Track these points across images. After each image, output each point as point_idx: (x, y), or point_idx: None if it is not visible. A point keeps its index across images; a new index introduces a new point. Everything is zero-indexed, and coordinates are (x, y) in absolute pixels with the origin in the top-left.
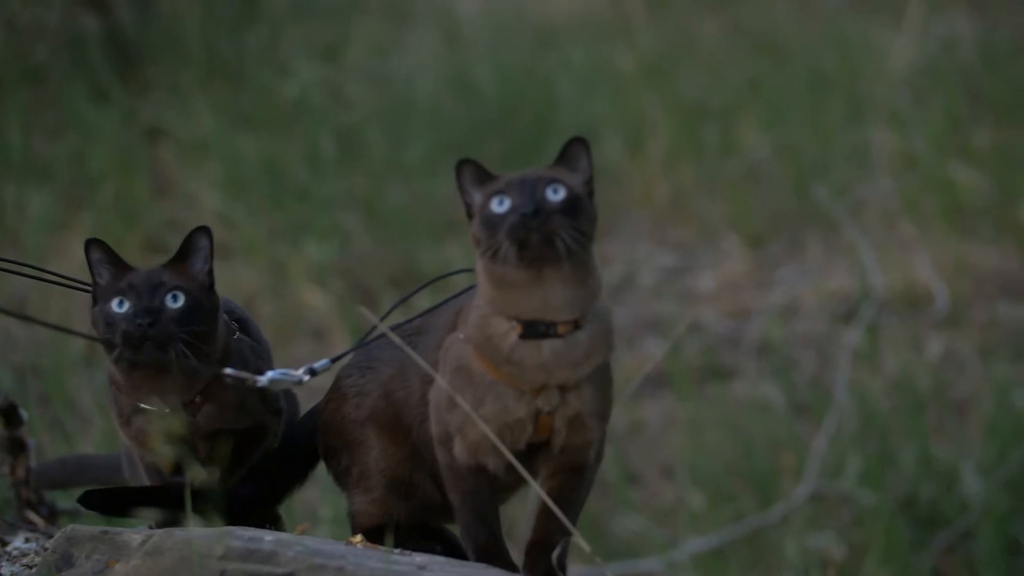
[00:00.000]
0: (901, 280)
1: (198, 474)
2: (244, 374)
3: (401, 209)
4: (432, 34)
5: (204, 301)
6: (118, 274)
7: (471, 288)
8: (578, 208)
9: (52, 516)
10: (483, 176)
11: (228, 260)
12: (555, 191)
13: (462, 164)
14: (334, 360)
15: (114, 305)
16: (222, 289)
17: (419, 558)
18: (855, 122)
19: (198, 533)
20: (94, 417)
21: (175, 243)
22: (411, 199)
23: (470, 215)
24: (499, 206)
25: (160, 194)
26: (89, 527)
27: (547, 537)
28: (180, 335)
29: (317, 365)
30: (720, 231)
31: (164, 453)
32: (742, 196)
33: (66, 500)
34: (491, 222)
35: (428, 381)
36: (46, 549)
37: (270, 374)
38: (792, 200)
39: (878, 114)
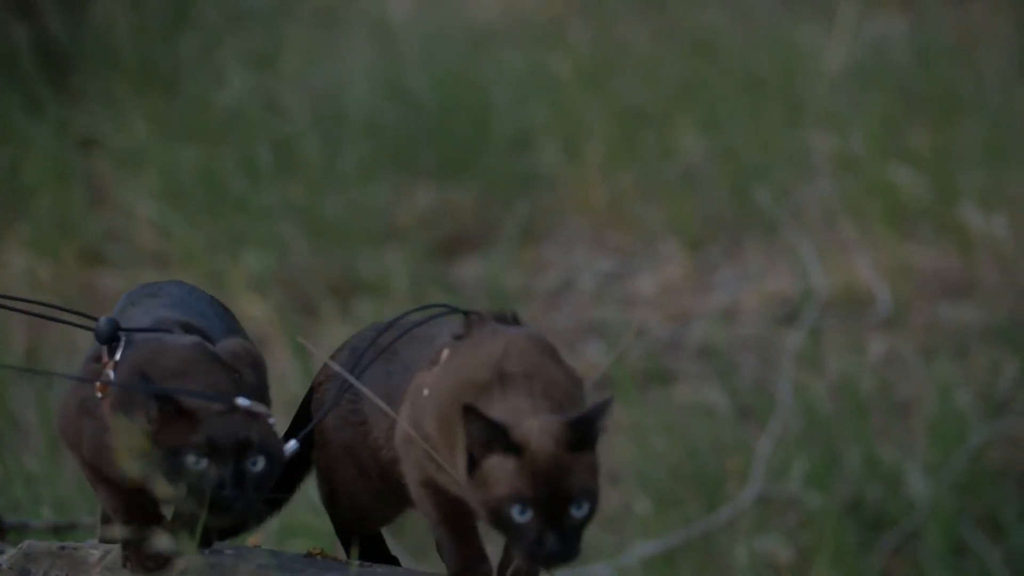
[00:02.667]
0: (842, 282)
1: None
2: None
3: (339, 217)
4: (365, 40)
5: (282, 458)
6: (185, 415)
7: (446, 313)
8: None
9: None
10: (503, 442)
11: (165, 270)
12: (579, 507)
13: (471, 412)
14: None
15: (190, 461)
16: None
17: (380, 569)
18: (792, 124)
19: (160, 547)
20: (37, 430)
21: (113, 254)
22: (348, 207)
23: (471, 467)
24: (520, 516)
25: (96, 204)
26: (47, 543)
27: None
28: (260, 499)
29: (289, 446)
30: (659, 235)
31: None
32: (680, 200)
33: (15, 515)
34: (506, 524)
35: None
36: (1, 567)
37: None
38: (731, 203)
39: (815, 116)
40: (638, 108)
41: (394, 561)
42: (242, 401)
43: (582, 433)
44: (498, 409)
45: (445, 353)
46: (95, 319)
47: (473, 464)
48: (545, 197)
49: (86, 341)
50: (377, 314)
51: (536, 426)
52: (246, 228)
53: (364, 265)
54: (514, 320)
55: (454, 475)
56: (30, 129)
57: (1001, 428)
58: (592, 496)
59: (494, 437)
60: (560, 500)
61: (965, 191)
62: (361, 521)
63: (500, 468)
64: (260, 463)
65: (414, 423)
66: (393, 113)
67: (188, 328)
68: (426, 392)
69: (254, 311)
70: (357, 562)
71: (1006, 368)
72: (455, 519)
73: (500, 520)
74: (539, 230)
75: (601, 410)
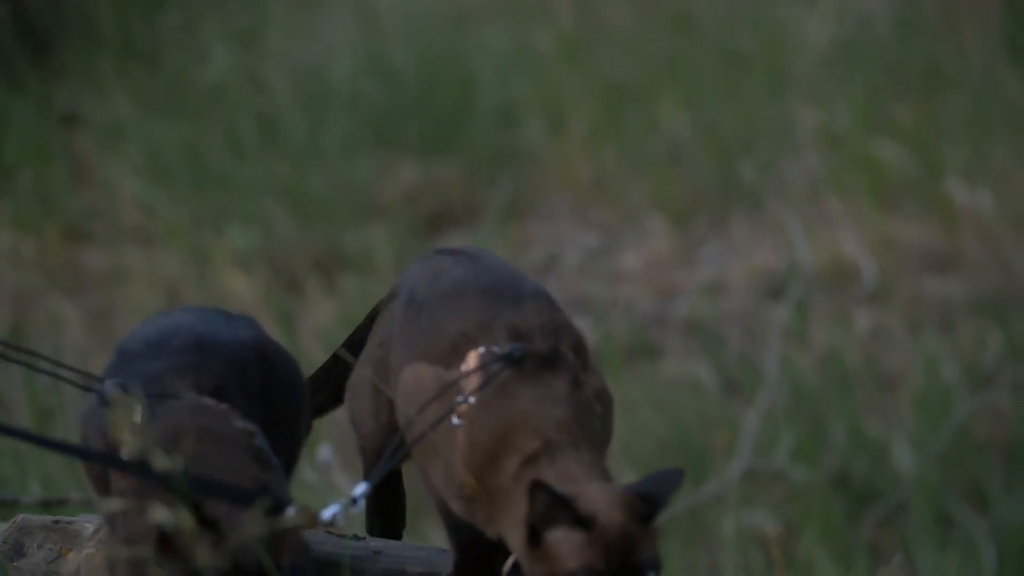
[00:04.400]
0: (828, 256)
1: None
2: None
3: (323, 193)
4: (348, 16)
5: None
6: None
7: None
8: None
9: None
10: (571, 516)
11: (149, 247)
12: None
13: (538, 487)
14: (370, 482)
15: None
16: (146, 277)
17: (374, 543)
18: (776, 99)
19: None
20: (23, 406)
21: (96, 231)
22: (332, 183)
23: (534, 539)
24: None
25: (79, 181)
26: (40, 516)
27: None
28: None
29: (357, 491)
30: (643, 211)
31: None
32: (665, 175)
33: (4, 491)
34: None
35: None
36: None
37: (330, 512)
38: (715, 178)
39: (799, 91)
40: (622, 84)
41: (399, 503)
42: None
43: (650, 507)
44: (550, 476)
45: (472, 359)
46: (99, 380)
47: (535, 536)
48: (529, 173)
49: (72, 320)
50: (362, 290)
51: (603, 498)
52: (230, 204)
53: (349, 241)
54: (560, 356)
55: (480, 517)
56: (10, 105)
57: (986, 401)
58: (658, 566)
59: (562, 511)
60: (630, 572)
61: (950, 165)
62: (374, 455)
63: (568, 541)
64: None
65: (433, 448)
66: (376, 89)
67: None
68: (457, 421)
69: (239, 287)
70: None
71: (991, 342)
72: (465, 534)
73: None
74: (523, 206)
75: (671, 486)
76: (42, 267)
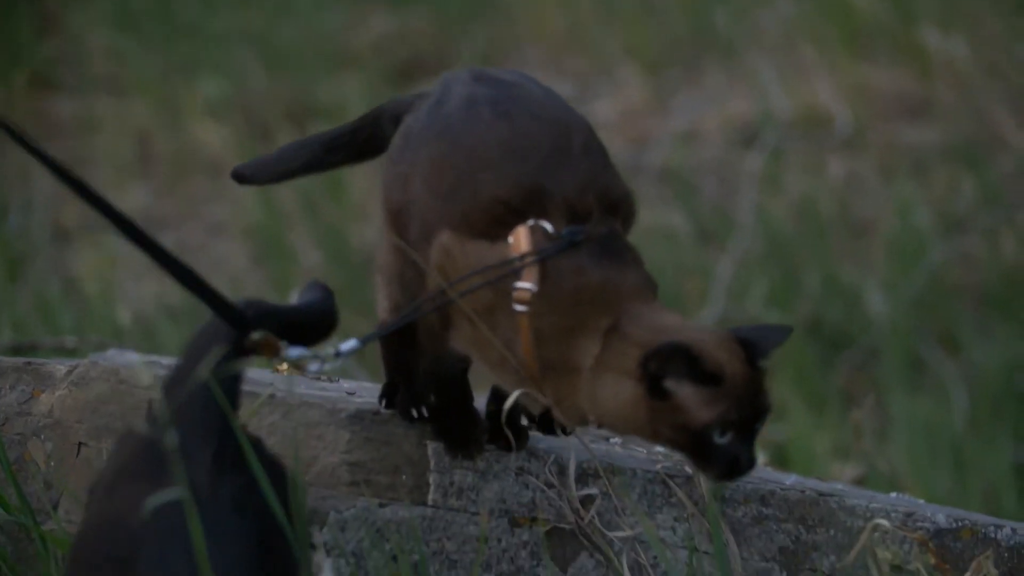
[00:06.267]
0: (802, 104)
1: None
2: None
3: (294, 43)
4: None
5: None
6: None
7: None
8: None
9: None
10: (701, 373)
11: (121, 98)
12: (765, 421)
13: (675, 350)
14: (364, 342)
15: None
16: (116, 127)
17: (347, 384)
18: None
19: (124, 362)
20: None
21: (65, 80)
22: (303, 33)
23: (656, 394)
24: (719, 438)
25: (46, 30)
26: (11, 358)
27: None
28: None
29: (344, 347)
30: (617, 60)
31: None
32: (638, 24)
33: None
34: (702, 447)
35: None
36: None
37: (295, 352)
38: (689, 27)
39: None
40: None
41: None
42: None
43: (764, 352)
44: (644, 336)
45: (523, 237)
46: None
47: (659, 391)
48: (502, 22)
49: (41, 169)
50: None
51: (721, 346)
52: (201, 54)
53: (320, 91)
54: (617, 236)
55: (544, 399)
56: None
57: (959, 246)
58: (771, 408)
59: (689, 366)
60: (756, 419)
61: (924, 12)
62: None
63: (698, 394)
64: None
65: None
66: None
67: None
68: (520, 308)
69: (210, 138)
70: (324, 376)
71: (964, 187)
72: (450, 377)
73: (696, 444)
74: (496, 56)
75: (778, 338)
76: (10, 115)
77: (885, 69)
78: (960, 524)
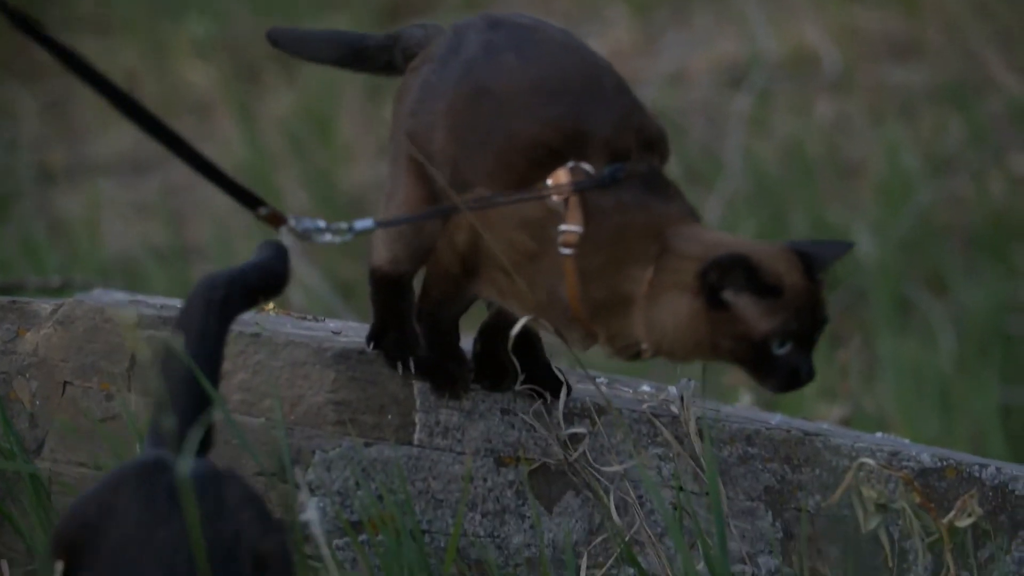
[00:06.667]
0: (790, 45)
1: None
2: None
3: None
4: None
5: None
6: None
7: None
8: None
9: None
10: (760, 284)
11: (106, 38)
12: (823, 331)
13: (734, 261)
14: (379, 224)
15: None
16: (102, 67)
17: (333, 323)
18: None
19: (109, 301)
20: None
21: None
22: None
23: (715, 306)
24: (779, 349)
25: None
26: None
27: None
28: None
29: (359, 224)
30: (605, 0)
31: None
32: None
33: None
34: (761, 359)
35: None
36: None
37: (304, 223)
38: None
39: None
40: None
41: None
42: None
43: (823, 264)
44: (697, 250)
45: (563, 178)
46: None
47: (718, 302)
48: None
49: (27, 109)
50: (321, 80)
51: (778, 257)
52: None
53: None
54: (657, 172)
55: (587, 342)
56: None
57: (947, 187)
58: (829, 320)
59: (749, 277)
60: (815, 330)
61: None
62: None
63: (758, 305)
64: None
65: (528, 275)
66: None
67: None
68: (566, 251)
69: (196, 78)
70: (309, 315)
71: (952, 128)
72: (450, 311)
73: (756, 355)
74: None
75: (837, 252)
76: None
77: (873, 9)
78: (945, 463)
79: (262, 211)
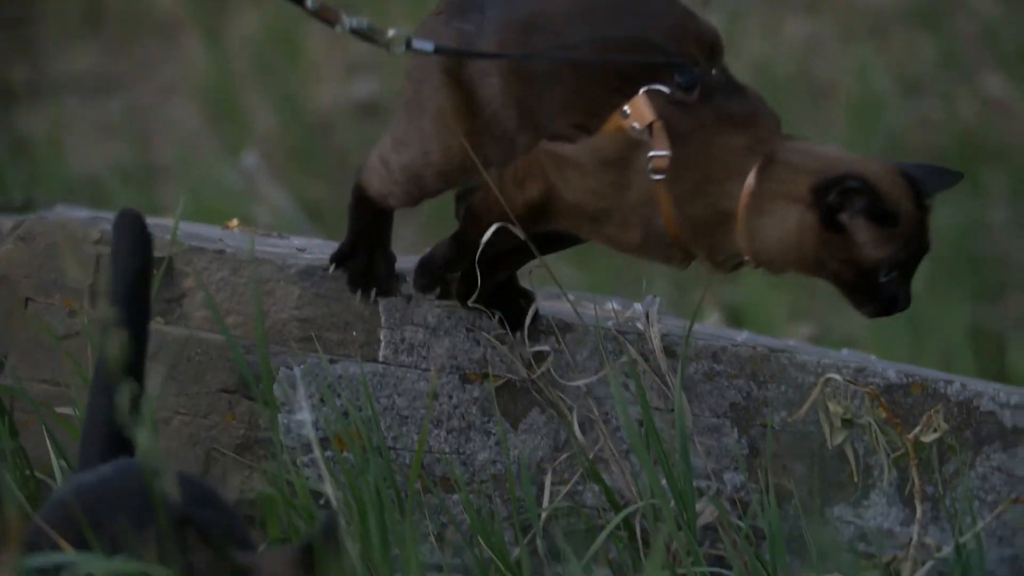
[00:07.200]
0: None
1: None
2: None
3: None
4: None
5: None
6: None
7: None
8: None
9: None
10: (879, 211)
11: None
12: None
13: (858, 186)
14: (437, 50)
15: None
16: None
17: (297, 240)
18: None
19: (71, 218)
20: None
21: None
22: None
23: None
24: (885, 276)
25: None
26: None
27: None
28: None
29: (417, 43)
30: None
31: None
32: None
33: None
34: (865, 283)
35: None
36: None
37: (353, 22)
38: None
39: None
40: None
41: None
42: None
43: (932, 192)
44: (799, 162)
45: (643, 106)
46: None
47: (834, 224)
48: None
49: None
50: None
51: (899, 186)
52: None
53: None
54: (728, 75)
55: (684, 262)
56: None
57: (918, 109)
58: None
59: (869, 202)
60: (919, 259)
61: None
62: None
63: (871, 231)
64: None
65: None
66: None
67: None
68: (657, 177)
69: None
70: (275, 233)
71: (924, 49)
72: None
73: (861, 280)
74: None
75: (945, 181)
76: None
77: None
78: (910, 379)
79: (309, 3)
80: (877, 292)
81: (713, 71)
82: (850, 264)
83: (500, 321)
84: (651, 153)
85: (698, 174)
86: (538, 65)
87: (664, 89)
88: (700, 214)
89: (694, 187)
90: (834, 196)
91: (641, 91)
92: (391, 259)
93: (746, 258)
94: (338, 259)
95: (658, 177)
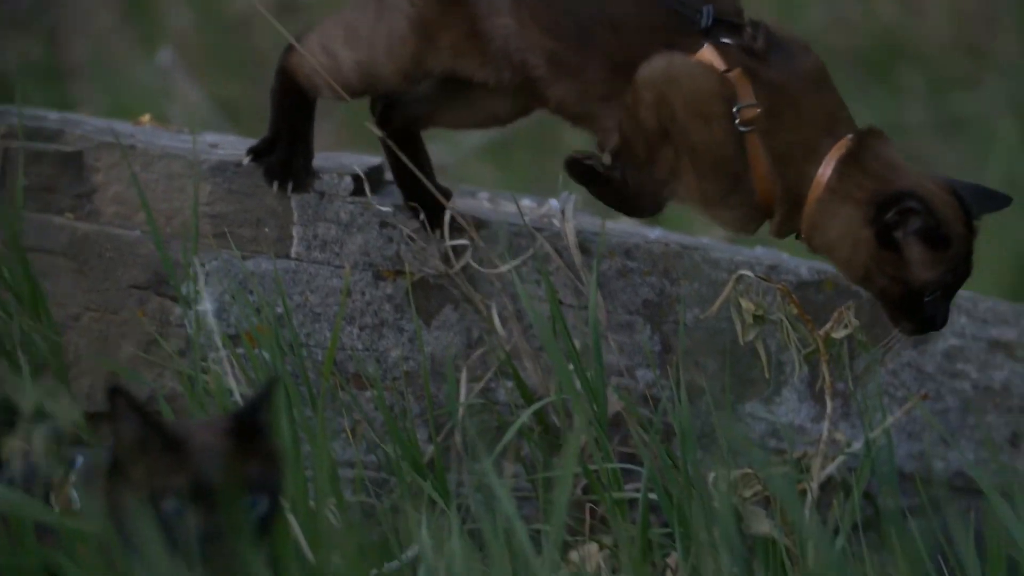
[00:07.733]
0: None
1: None
2: None
3: None
4: None
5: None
6: (161, 450)
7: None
8: None
9: None
10: (934, 235)
11: None
12: None
13: (918, 209)
14: None
15: (169, 507)
16: None
17: (210, 137)
18: None
19: None
20: None
21: None
22: None
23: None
24: (929, 296)
25: None
26: None
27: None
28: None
29: None
30: None
31: None
32: None
33: None
34: (910, 300)
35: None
36: None
37: None
38: None
39: None
40: None
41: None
42: None
43: (979, 215)
44: (879, 172)
45: (712, 56)
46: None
47: (889, 241)
48: None
49: None
50: None
51: (952, 208)
52: None
53: None
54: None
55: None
56: None
57: (835, 9)
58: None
59: (925, 225)
60: (963, 281)
61: None
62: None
63: (926, 255)
64: (263, 505)
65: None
66: None
67: None
68: (745, 128)
69: None
70: (186, 128)
71: None
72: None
73: (906, 299)
74: None
75: (992, 204)
76: None
77: None
78: (822, 276)
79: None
80: (919, 311)
81: (761, 28)
82: (898, 281)
83: (418, 217)
84: (739, 104)
85: (791, 137)
86: (568, 20)
87: (729, 42)
88: (788, 178)
89: (787, 148)
90: (892, 215)
91: (709, 44)
92: (310, 155)
93: (803, 237)
94: (257, 152)
95: (746, 129)
